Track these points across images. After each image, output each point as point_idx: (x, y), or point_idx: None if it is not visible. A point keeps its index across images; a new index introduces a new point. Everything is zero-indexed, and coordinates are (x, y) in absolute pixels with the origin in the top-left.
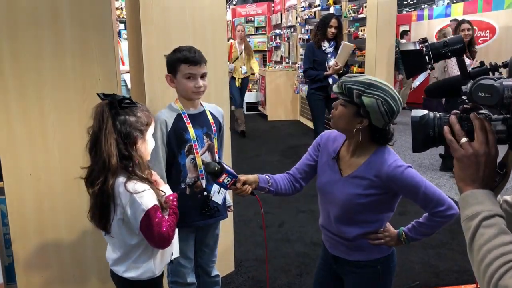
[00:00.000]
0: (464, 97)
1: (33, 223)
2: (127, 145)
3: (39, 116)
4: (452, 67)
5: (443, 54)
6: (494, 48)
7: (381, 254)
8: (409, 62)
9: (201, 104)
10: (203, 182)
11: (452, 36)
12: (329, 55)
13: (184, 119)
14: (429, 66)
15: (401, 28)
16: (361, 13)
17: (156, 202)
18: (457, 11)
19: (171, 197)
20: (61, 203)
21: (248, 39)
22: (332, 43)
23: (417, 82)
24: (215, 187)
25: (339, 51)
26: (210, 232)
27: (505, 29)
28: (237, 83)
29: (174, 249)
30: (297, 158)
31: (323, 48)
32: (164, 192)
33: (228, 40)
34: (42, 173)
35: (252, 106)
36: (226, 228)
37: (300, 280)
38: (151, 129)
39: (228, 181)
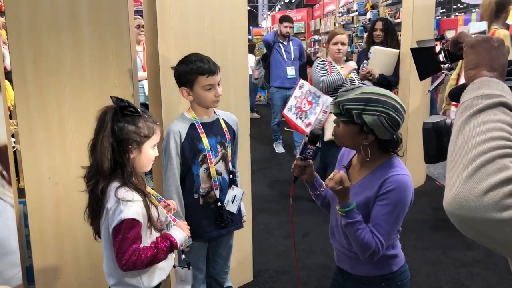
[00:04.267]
0: None
1: (51, 226)
2: (120, 152)
3: (58, 121)
4: None
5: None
6: None
7: (387, 270)
8: (421, 61)
9: (214, 112)
10: (217, 193)
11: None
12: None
13: (198, 128)
14: (447, 65)
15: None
16: (398, 18)
17: (139, 218)
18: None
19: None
20: (78, 207)
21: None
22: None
23: (433, 85)
24: (229, 197)
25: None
26: (223, 242)
27: None
28: None
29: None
30: None
31: (369, 53)
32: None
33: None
34: (60, 177)
35: None
36: (244, 237)
37: None
38: (151, 141)
39: (309, 153)
